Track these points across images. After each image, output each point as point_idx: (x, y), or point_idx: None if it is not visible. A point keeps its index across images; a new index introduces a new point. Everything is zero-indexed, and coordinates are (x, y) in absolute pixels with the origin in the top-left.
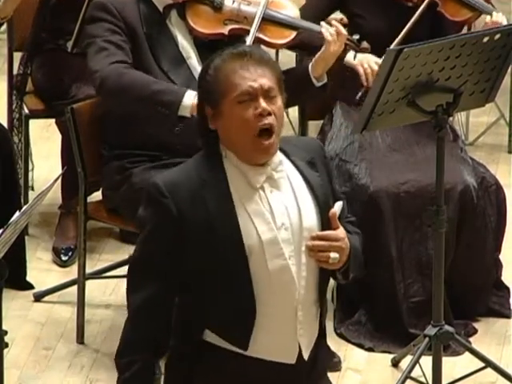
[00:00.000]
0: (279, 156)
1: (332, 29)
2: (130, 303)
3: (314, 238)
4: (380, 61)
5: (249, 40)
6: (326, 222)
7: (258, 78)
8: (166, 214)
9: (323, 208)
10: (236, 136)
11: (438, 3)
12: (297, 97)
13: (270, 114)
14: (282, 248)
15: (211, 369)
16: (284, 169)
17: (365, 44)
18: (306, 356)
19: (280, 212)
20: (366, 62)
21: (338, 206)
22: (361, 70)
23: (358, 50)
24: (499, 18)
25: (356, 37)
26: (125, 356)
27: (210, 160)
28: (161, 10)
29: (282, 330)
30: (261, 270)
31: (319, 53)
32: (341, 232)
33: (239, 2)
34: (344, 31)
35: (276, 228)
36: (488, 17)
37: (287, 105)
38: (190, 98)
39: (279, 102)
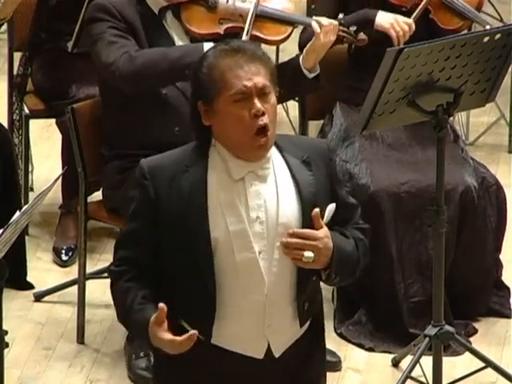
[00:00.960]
0: (270, 151)
1: (322, 20)
2: (110, 273)
3: (289, 235)
4: (409, 20)
5: (244, 38)
6: (307, 221)
7: (253, 77)
8: (145, 196)
9: (307, 206)
10: (231, 134)
11: (430, 11)
12: (291, 90)
13: (263, 113)
14: (252, 241)
15: (182, 354)
16: (271, 164)
17: (362, 35)
18: (276, 354)
19: (256, 205)
20: (397, 24)
21: (329, 208)
22: (393, 34)
23: (356, 41)
24: None
25: (353, 28)
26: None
27: (199, 148)
28: (156, 12)
29: (249, 324)
30: (227, 261)
31: (309, 44)
32: (321, 232)
33: (234, 0)
34: (335, 22)
35: (248, 221)
36: (479, 28)
37: (282, 99)
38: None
39: (273, 98)
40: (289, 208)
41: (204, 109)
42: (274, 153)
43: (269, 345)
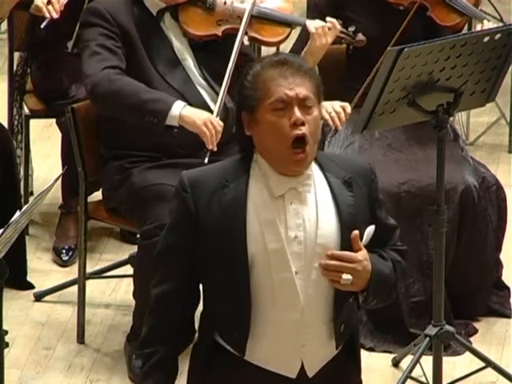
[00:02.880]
0: (312, 169)
1: (319, 22)
2: (151, 295)
3: (328, 257)
4: (343, 103)
5: (238, 38)
6: (346, 243)
7: (295, 87)
8: (184, 208)
9: (346, 228)
10: (270, 144)
11: (427, 8)
12: None
13: (303, 123)
14: (289, 261)
15: (216, 369)
16: (312, 182)
17: (360, 36)
18: (310, 374)
19: (295, 224)
20: (331, 108)
21: (368, 230)
22: (326, 115)
23: (354, 42)
24: (490, 27)
25: (351, 29)
26: (145, 347)
27: (240, 162)
28: (154, 13)
29: (283, 343)
30: (264, 278)
31: (306, 46)
32: (360, 255)
33: (231, 1)
34: (330, 24)
35: (286, 240)
36: (479, 26)
37: None
38: (179, 107)
39: (315, 112)
40: (328, 229)
41: (247, 118)
42: (315, 171)
43: (302, 364)
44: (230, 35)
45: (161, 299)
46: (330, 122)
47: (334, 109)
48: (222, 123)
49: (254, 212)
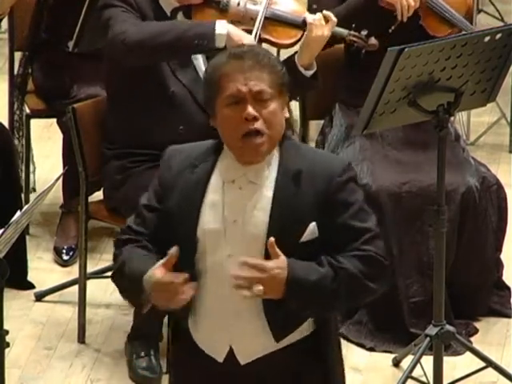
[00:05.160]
0: (271, 158)
1: (317, 15)
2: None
3: (240, 265)
4: None
5: (252, 40)
6: (272, 234)
7: (250, 81)
8: (161, 173)
9: (275, 220)
10: (226, 136)
11: (420, 16)
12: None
13: (256, 118)
14: (223, 244)
15: (177, 343)
16: (264, 172)
17: (373, 40)
18: (242, 361)
19: (237, 209)
20: None
21: (309, 227)
22: (398, 7)
23: (367, 46)
24: None
25: (364, 32)
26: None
27: (214, 146)
28: (168, 13)
29: (213, 326)
30: (203, 259)
31: (302, 39)
32: (271, 262)
33: (245, 2)
34: (333, 18)
35: (224, 222)
36: None
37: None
38: (223, 26)
39: (272, 105)
40: (260, 219)
41: (209, 110)
42: (274, 160)
43: (233, 350)
44: None
45: (125, 242)
46: (399, 13)
47: (407, 1)
48: None
49: (207, 195)
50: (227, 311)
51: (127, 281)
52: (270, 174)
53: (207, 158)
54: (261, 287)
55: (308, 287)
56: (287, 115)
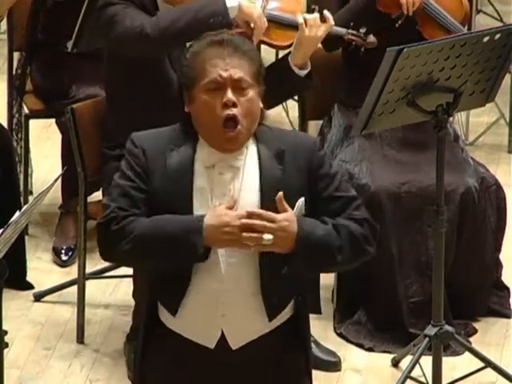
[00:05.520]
0: (248, 142)
1: (312, 15)
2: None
3: (247, 215)
4: None
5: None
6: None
7: (230, 68)
8: (136, 162)
9: (267, 200)
10: (204, 122)
11: (417, 22)
12: (282, 89)
13: (235, 104)
14: None
15: (153, 343)
16: (243, 156)
17: (371, 38)
18: (234, 346)
19: (221, 193)
20: None
21: (298, 202)
22: (403, 1)
23: (365, 44)
24: None
25: (362, 30)
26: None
27: (186, 131)
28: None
29: (203, 311)
30: None
31: (295, 38)
32: (281, 215)
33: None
34: (331, 21)
35: (210, 207)
36: None
37: (278, 100)
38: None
39: (250, 93)
40: (249, 200)
41: (186, 96)
42: (250, 144)
43: (224, 335)
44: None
45: (116, 219)
46: (405, 7)
47: None
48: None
49: (196, 180)
50: (217, 293)
51: (156, 244)
52: (250, 157)
53: (184, 142)
54: (270, 236)
55: (316, 242)
56: (261, 105)
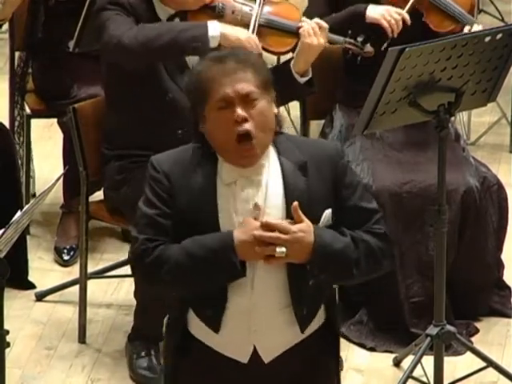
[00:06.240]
0: (267, 155)
1: (311, 23)
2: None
3: (262, 227)
4: (400, 10)
5: (248, 32)
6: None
7: (236, 84)
8: (160, 186)
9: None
10: (218, 140)
11: (422, 13)
12: (283, 94)
13: (246, 120)
14: None
15: (188, 355)
16: (265, 170)
17: (368, 47)
18: (266, 360)
19: (245, 210)
20: (388, 14)
21: (325, 213)
22: (385, 24)
23: (363, 53)
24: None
25: (360, 39)
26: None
27: (202, 151)
28: (164, 19)
29: (235, 328)
30: None
31: (298, 46)
32: (296, 226)
33: (240, 7)
34: (322, 25)
35: (236, 226)
36: (467, 28)
37: (278, 104)
38: (215, 27)
39: (261, 103)
40: (275, 215)
41: (198, 116)
42: (272, 156)
43: (256, 350)
44: None
45: (147, 251)
46: (389, 30)
47: (392, 15)
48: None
49: (219, 199)
50: (247, 310)
51: (195, 269)
52: (273, 170)
53: (204, 162)
54: (283, 249)
55: (332, 254)
56: (276, 111)
